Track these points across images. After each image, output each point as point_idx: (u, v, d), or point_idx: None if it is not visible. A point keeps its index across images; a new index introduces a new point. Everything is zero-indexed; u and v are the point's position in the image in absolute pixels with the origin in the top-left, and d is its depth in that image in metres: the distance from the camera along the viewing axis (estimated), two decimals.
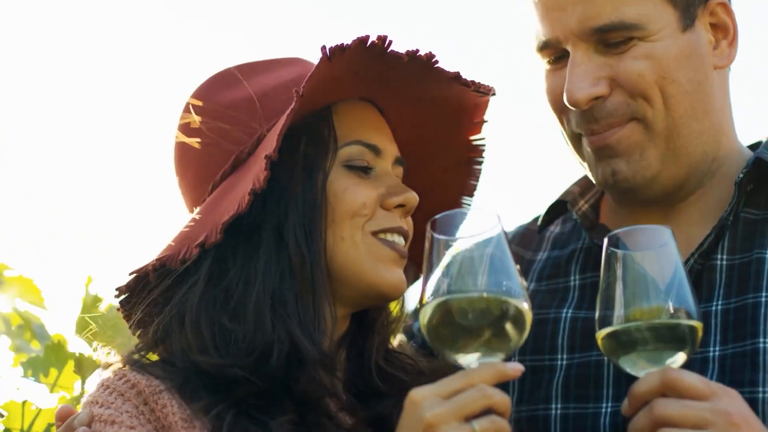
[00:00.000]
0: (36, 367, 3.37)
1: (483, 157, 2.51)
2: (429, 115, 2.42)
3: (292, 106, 2.15)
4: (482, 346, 1.94)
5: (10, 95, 5.21)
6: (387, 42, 2.20)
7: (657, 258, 2.04)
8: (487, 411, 1.89)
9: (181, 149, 2.34)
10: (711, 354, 2.30)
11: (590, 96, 2.36)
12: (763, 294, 2.32)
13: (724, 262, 2.39)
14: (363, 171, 2.27)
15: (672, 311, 2.01)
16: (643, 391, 1.97)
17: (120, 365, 2.20)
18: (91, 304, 3.59)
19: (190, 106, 2.34)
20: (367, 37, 2.18)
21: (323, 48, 2.16)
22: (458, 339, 1.94)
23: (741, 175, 2.40)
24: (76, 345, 3.53)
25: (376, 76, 2.28)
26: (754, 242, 2.38)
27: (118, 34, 5.51)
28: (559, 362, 2.44)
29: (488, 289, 1.93)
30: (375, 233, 2.25)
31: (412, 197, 2.28)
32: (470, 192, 2.52)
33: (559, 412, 2.40)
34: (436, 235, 1.96)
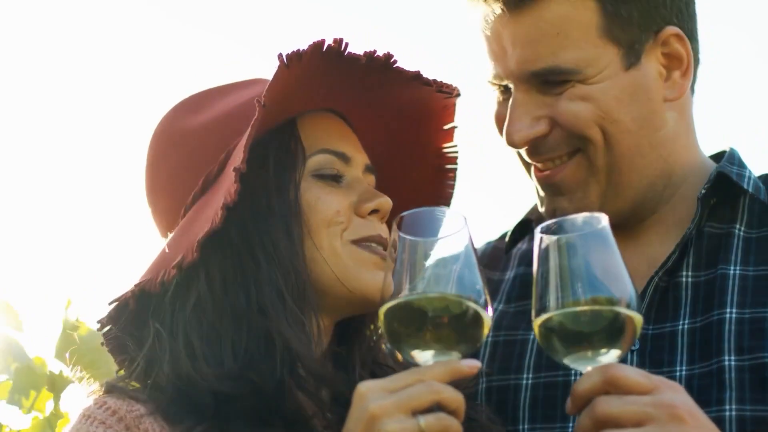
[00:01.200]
0: (11, 391, 3.38)
1: (456, 164, 2.49)
2: (395, 121, 2.41)
3: (255, 117, 2.13)
4: (438, 345, 1.92)
5: None
6: (343, 45, 2.18)
7: (593, 244, 1.96)
8: (438, 408, 1.87)
9: (151, 179, 2.33)
10: (678, 374, 2.30)
11: (527, 137, 2.36)
12: (728, 310, 2.32)
13: (690, 279, 2.38)
14: (333, 180, 2.26)
15: (610, 300, 1.92)
16: (584, 389, 1.90)
17: (100, 393, 2.18)
18: (71, 328, 3.60)
19: (156, 136, 2.34)
20: (323, 41, 2.16)
21: (279, 55, 2.15)
22: (413, 336, 1.93)
23: (703, 191, 2.39)
24: (54, 367, 3.54)
25: (336, 83, 2.28)
26: (718, 257, 2.38)
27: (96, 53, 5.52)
28: (524, 381, 2.43)
29: (447, 288, 1.93)
30: (355, 242, 2.24)
31: (386, 202, 2.27)
32: (447, 200, 2.51)
33: (526, 430, 2.40)
34: (401, 234, 1.96)
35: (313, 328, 2.21)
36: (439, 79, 2.35)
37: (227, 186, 2.13)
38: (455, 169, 2.49)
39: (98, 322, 2.26)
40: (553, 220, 1.98)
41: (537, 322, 1.95)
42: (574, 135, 2.36)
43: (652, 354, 2.34)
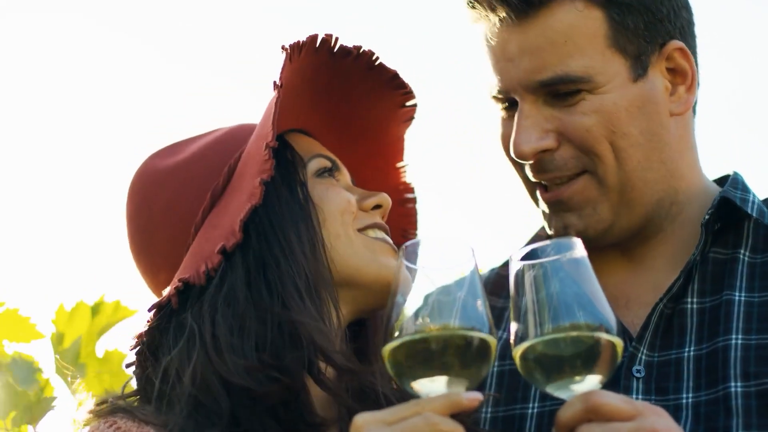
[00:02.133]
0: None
1: (415, 197, 2.55)
2: (359, 148, 2.48)
3: (275, 96, 2.19)
4: (442, 377, 1.91)
5: None
6: (334, 39, 2.29)
7: (569, 271, 1.95)
8: None
9: (142, 219, 2.34)
10: (684, 401, 2.30)
11: (536, 150, 2.34)
12: (733, 337, 2.31)
13: (695, 306, 2.38)
14: (334, 177, 2.33)
15: (589, 326, 1.91)
16: (567, 418, 1.88)
17: (109, 412, 2.17)
18: (57, 341, 3.58)
19: (137, 182, 2.37)
20: (315, 36, 2.29)
21: (283, 46, 2.23)
22: (417, 369, 1.91)
23: (707, 216, 2.38)
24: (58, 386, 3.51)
25: (306, 105, 2.36)
26: (723, 283, 2.37)
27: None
28: (530, 411, 2.42)
29: (451, 319, 1.91)
30: (362, 230, 2.28)
31: (387, 198, 2.33)
32: (413, 225, 2.55)
33: None
34: (406, 263, 1.95)
35: (333, 320, 2.22)
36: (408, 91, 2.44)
37: (258, 167, 2.18)
38: (414, 201, 2.55)
39: (137, 337, 2.25)
40: (528, 248, 1.95)
41: (516, 352, 1.93)
42: (584, 151, 2.35)
43: (658, 381, 2.34)
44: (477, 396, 1.89)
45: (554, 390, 1.93)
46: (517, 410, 2.43)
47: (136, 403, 2.22)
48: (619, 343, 1.91)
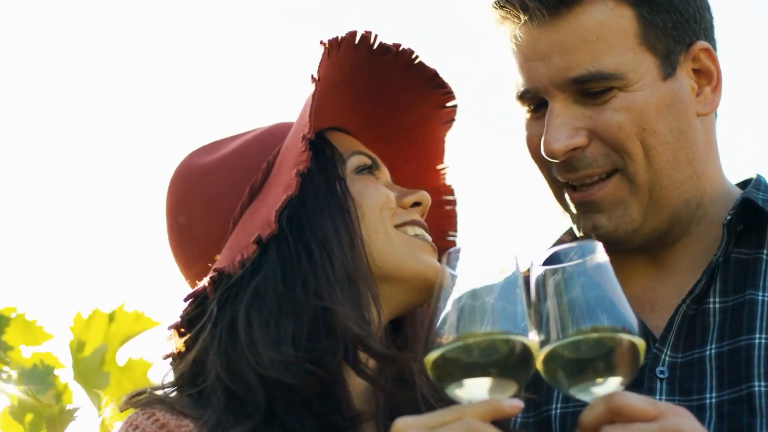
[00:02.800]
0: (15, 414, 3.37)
1: (454, 198, 2.55)
2: (398, 149, 2.48)
3: (312, 90, 2.21)
4: (484, 383, 1.90)
5: None
6: (374, 36, 2.30)
7: (590, 274, 1.94)
8: None
9: (181, 215, 2.36)
10: (708, 401, 2.30)
11: (567, 147, 2.35)
12: (756, 335, 2.31)
13: (717, 305, 2.37)
14: (373, 174, 2.33)
15: (611, 328, 1.90)
16: (590, 420, 1.88)
17: (147, 403, 2.18)
18: (76, 349, 3.58)
19: (177, 179, 2.39)
20: (354, 33, 2.29)
21: (321, 41, 2.24)
22: (459, 375, 1.90)
23: (729, 217, 2.38)
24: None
25: (347, 103, 2.37)
26: (746, 282, 2.37)
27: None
28: (553, 412, 2.43)
29: (493, 327, 1.90)
30: (399, 227, 2.29)
31: (427, 196, 2.34)
32: (453, 227, 2.55)
33: None
34: (449, 269, 1.94)
35: (373, 316, 2.22)
36: (449, 90, 2.44)
37: (295, 159, 2.18)
38: (454, 203, 2.55)
39: (170, 327, 2.27)
40: (548, 251, 1.96)
41: (539, 357, 1.92)
42: (614, 149, 2.36)
43: (681, 382, 2.34)
44: (518, 403, 1.88)
45: (577, 393, 1.93)
46: (543, 413, 2.43)
47: (173, 395, 2.23)
48: (641, 344, 1.91)
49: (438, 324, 1.91)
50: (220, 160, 2.35)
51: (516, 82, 2.41)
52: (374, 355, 2.19)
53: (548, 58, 2.35)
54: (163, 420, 2.13)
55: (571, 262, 1.93)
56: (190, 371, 2.22)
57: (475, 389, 1.90)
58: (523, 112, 2.44)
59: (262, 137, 2.36)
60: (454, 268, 1.94)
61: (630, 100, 2.34)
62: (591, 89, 2.34)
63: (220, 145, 2.39)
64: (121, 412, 2.24)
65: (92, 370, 3.50)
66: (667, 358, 2.36)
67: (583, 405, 2.34)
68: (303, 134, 2.19)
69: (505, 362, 1.89)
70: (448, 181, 2.55)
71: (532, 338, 1.90)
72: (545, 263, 1.95)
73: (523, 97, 2.41)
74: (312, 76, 2.23)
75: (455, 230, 2.56)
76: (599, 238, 2.33)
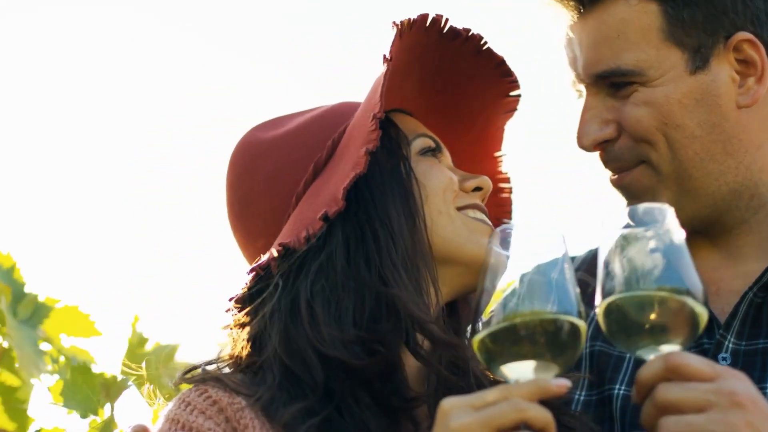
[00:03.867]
0: (66, 393, 3.36)
1: (510, 186, 2.54)
2: (459, 134, 2.47)
3: (384, 70, 2.20)
4: (531, 362, 1.87)
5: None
6: (444, 20, 2.30)
7: (660, 236, 1.93)
8: (525, 428, 1.80)
9: (243, 189, 2.34)
10: None
11: (596, 141, 2.38)
12: None
13: None
14: (436, 156, 2.32)
15: (677, 290, 1.90)
16: (647, 377, 1.87)
17: (201, 380, 2.15)
18: (137, 343, 3.58)
19: (239, 153, 2.37)
20: (426, 15, 2.29)
21: (394, 22, 2.25)
22: (506, 355, 1.88)
23: None
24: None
25: (414, 86, 2.37)
26: None
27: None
28: (616, 392, 2.40)
29: (541, 307, 1.88)
30: (460, 209, 2.27)
31: (488, 181, 2.32)
32: (508, 215, 2.54)
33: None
34: (497, 249, 1.93)
35: (432, 297, 2.21)
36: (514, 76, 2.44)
37: (364, 138, 2.18)
38: (510, 189, 2.54)
39: (234, 299, 2.24)
40: (619, 211, 1.96)
41: (601, 308, 1.93)
42: (639, 141, 2.35)
43: (743, 370, 2.21)
44: (565, 382, 1.86)
45: (634, 350, 1.93)
46: (605, 391, 2.40)
47: (227, 371, 2.20)
48: (702, 311, 1.90)
49: (483, 304, 1.90)
50: (284, 136, 2.33)
51: (569, 73, 2.45)
52: (433, 340, 2.16)
53: (578, 54, 2.41)
54: (215, 397, 2.10)
55: (643, 222, 1.94)
56: (247, 345, 2.19)
57: (521, 369, 1.88)
58: (576, 101, 2.47)
59: (327, 115, 2.35)
60: (502, 247, 1.93)
61: (650, 95, 2.35)
62: (616, 82, 2.36)
63: (284, 121, 2.38)
64: (175, 387, 2.22)
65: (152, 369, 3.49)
66: (730, 345, 2.32)
67: None
68: (374, 113, 2.18)
69: (553, 342, 1.87)
70: (504, 169, 2.54)
71: (580, 318, 1.89)
72: (616, 221, 1.96)
73: (573, 87, 2.45)
74: (384, 56, 2.22)
75: (510, 218, 2.54)
76: None
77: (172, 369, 3.53)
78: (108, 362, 3.61)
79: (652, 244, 1.92)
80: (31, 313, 3.51)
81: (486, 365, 1.92)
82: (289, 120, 2.37)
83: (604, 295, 1.91)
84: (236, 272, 2.31)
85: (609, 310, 1.91)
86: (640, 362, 2.39)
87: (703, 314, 1.90)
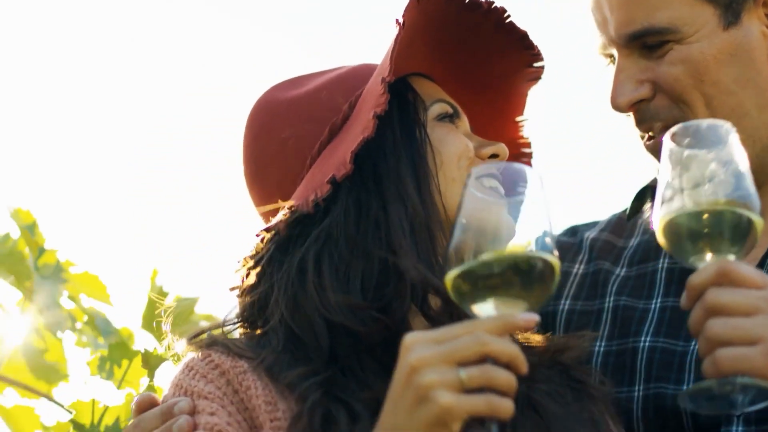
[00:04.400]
0: (102, 365, 3.37)
1: (531, 152, 2.53)
2: (479, 100, 2.47)
3: (396, 34, 2.19)
4: (500, 300, 1.84)
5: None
6: None
7: (718, 150, 1.96)
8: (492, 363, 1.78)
9: (258, 149, 2.34)
10: None
11: (630, 101, 2.40)
12: None
13: None
14: (453, 122, 2.30)
15: (734, 203, 1.93)
16: (698, 282, 1.90)
17: (206, 345, 2.16)
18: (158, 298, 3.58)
19: (257, 111, 2.37)
20: None
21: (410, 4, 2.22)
22: (477, 292, 1.85)
23: None
24: (143, 339, 3.54)
25: (434, 50, 2.36)
26: None
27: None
28: (641, 344, 2.42)
29: (512, 244, 1.87)
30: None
31: (505, 148, 2.31)
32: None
33: (641, 393, 2.38)
34: (472, 190, 1.90)
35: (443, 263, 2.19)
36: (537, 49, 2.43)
37: (374, 101, 2.17)
38: (531, 154, 2.54)
39: (246, 258, 2.25)
40: (680, 126, 1.98)
41: (661, 219, 1.95)
42: (675, 101, 2.37)
43: None
44: (532, 317, 1.83)
45: (688, 258, 1.95)
46: (630, 344, 2.43)
47: (240, 331, 2.22)
48: (759, 222, 1.93)
49: (457, 241, 1.87)
50: (302, 97, 2.33)
51: (596, 39, 2.47)
52: (446, 299, 2.14)
53: (610, 16, 2.42)
54: (217, 361, 2.11)
55: (704, 139, 1.97)
56: (254, 308, 2.20)
57: (491, 306, 1.85)
58: (606, 68, 2.49)
59: (345, 77, 2.34)
60: (475, 188, 1.90)
61: (686, 53, 2.36)
62: (650, 43, 2.38)
63: (303, 81, 2.38)
64: (183, 354, 2.22)
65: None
66: None
67: (673, 345, 2.41)
68: (383, 77, 2.17)
69: (525, 279, 1.85)
70: (525, 134, 2.54)
71: (554, 255, 1.86)
72: (676, 134, 1.98)
73: (602, 53, 2.47)
74: (396, 20, 2.22)
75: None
76: None
77: (193, 323, 3.57)
78: (128, 318, 3.63)
79: (712, 157, 1.94)
80: (53, 270, 3.53)
81: (459, 303, 1.89)
82: (308, 80, 2.37)
83: (663, 207, 1.94)
84: (250, 229, 2.32)
85: (666, 223, 1.94)
86: (665, 316, 2.42)
87: (759, 223, 1.93)
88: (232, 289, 2.27)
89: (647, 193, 2.60)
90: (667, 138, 1.97)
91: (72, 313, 3.62)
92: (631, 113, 2.44)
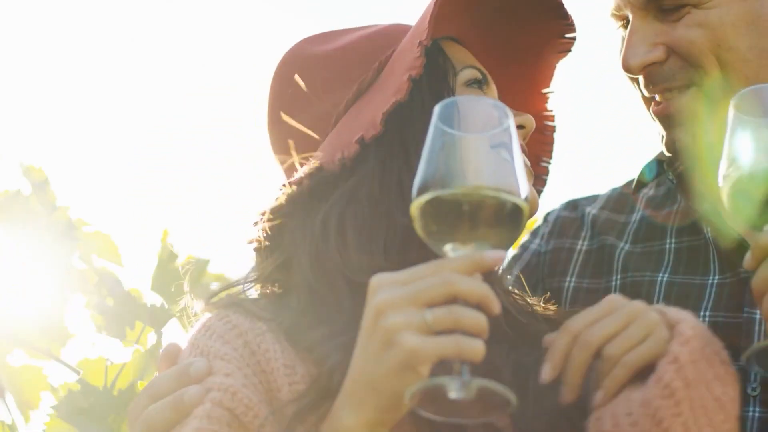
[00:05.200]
0: (109, 322, 3.36)
1: (554, 125, 2.51)
2: (508, 68, 2.45)
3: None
4: (467, 239, 1.80)
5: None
6: None
7: None
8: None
9: (284, 100, 2.32)
10: None
11: (643, 63, 2.38)
12: None
13: None
14: (482, 89, 2.28)
15: None
16: (766, 242, 1.91)
17: (224, 305, 2.14)
18: (167, 259, 3.57)
19: (285, 63, 2.35)
20: None
21: None
22: (444, 230, 1.81)
23: None
24: (152, 299, 3.51)
25: (469, 15, 2.35)
26: None
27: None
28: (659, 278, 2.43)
29: (480, 182, 1.80)
30: None
31: (531, 120, 2.29)
32: (549, 154, 2.51)
33: None
34: (442, 126, 1.87)
35: None
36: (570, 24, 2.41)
37: (408, 64, 2.14)
38: (554, 127, 2.51)
39: (267, 211, 2.21)
40: (749, 89, 1.98)
41: (729, 183, 1.95)
42: (690, 64, 2.36)
43: None
44: (500, 254, 1.78)
45: (755, 224, 1.95)
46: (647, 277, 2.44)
47: (258, 289, 2.20)
48: None
49: (425, 173, 1.83)
50: (332, 53, 2.31)
51: (609, 0, 2.45)
52: None
53: None
54: (235, 321, 2.07)
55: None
56: (273, 266, 2.18)
57: (460, 245, 1.80)
58: (619, 34, 2.48)
59: (377, 36, 2.32)
60: (447, 123, 1.85)
61: (703, 17, 2.35)
62: (666, 6, 2.36)
63: (333, 36, 2.36)
64: (200, 313, 2.20)
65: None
66: None
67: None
68: (420, 40, 2.15)
69: (494, 220, 1.79)
70: (551, 107, 2.52)
71: (523, 197, 1.81)
72: (747, 96, 1.98)
73: (614, 15, 2.45)
74: None
75: (550, 157, 2.52)
76: (678, 153, 2.40)
77: (205, 283, 3.56)
78: (139, 279, 3.61)
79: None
80: (65, 227, 3.51)
81: (424, 237, 1.85)
82: (340, 36, 2.35)
83: (731, 172, 1.94)
84: (266, 186, 2.30)
85: (735, 187, 1.94)
86: (672, 291, 2.39)
87: None
88: (251, 242, 2.24)
89: (654, 166, 2.57)
90: (735, 101, 1.97)
91: (84, 273, 3.60)
92: (640, 76, 2.43)
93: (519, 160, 1.84)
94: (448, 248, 1.81)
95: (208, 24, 5.61)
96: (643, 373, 1.97)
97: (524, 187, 1.82)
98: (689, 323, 2.00)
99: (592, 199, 2.70)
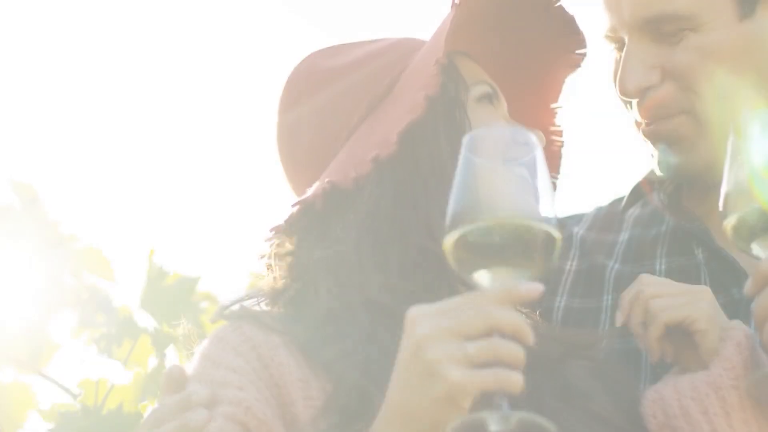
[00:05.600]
0: (109, 343, 3.35)
1: (563, 140, 2.50)
2: (518, 83, 2.44)
3: (450, 14, 2.17)
4: (502, 269, 1.79)
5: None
6: None
7: None
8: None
9: (292, 117, 2.31)
10: None
11: (640, 86, 2.36)
12: None
13: None
14: (492, 105, 2.27)
15: None
16: (767, 268, 1.90)
17: (237, 316, 2.11)
18: (156, 277, 3.56)
19: (294, 79, 2.34)
20: None
21: None
22: (477, 260, 1.79)
23: None
24: (143, 318, 3.50)
25: (481, 29, 2.34)
26: None
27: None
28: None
29: (513, 212, 1.79)
30: None
31: (541, 136, 2.25)
32: (556, 169, 2.50)
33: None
34: (469, 156, 1.84)
35: None
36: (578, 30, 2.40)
37: (424, 82, 2.14)
38: (562, 142, 2.50)
39: (275, 229, 2.20)
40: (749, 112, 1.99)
41: (732, 208, 1.95)
42: (685, 89, 2.35)
43: None
44: (536, 286, 1.77)
45: (752, 248, 1.95)
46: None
47: (266, 307, 2.17)
48: None
49: (457, 205, 1.81)
50: (343, 67, 2.29)
51: (603, 22, 2.43)
52: None
53: None
54: (249, 333, 2.05)
55: None
56: (288, 281, 2.16)
57: (491, 275, 1.79)
58: (613, 54, 2.46)
59: (388, 50, 2.30)
60: (474, 153, 1.83)
61: (701, 41, 2.33)
62: (664, 30, 2.34)
63: (344, 50, 2.34)
64: (213, 323, 2.19)
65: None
66: None
67: None
68: (437, 58, 2.15)
69: (526, 248, 1.78)
70: (558, 122, 2.51)
71: (555, 227, 1.80)
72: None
73: (608, 37, 2.43)
74: (453, 0, 2.21)
75: (558, 172, 2.50)
76: (671, 172, 2.39)
77: (195, 302, 3.55)
78: (128, 296, 3.61)
79: None
80: (56, 243, 3.50)
81: (458, 270, 1.83)
82: (349, 50, 2.33)
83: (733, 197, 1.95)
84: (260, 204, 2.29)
85: (740, 219, 1.93)
86: None
87: None
88: (262, 257, 2.22)
89: (643, 186, 2.56)
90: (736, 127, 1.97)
91: (74, 289, 3.59)
92: (630, 99, 2.41)
93: (548, 188, 1.83)
94: (481, 279, 1.81)
95: (208, 24, 5.63)
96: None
97: (553, 215, 1.82)
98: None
99: (578, 218, 2.68)
